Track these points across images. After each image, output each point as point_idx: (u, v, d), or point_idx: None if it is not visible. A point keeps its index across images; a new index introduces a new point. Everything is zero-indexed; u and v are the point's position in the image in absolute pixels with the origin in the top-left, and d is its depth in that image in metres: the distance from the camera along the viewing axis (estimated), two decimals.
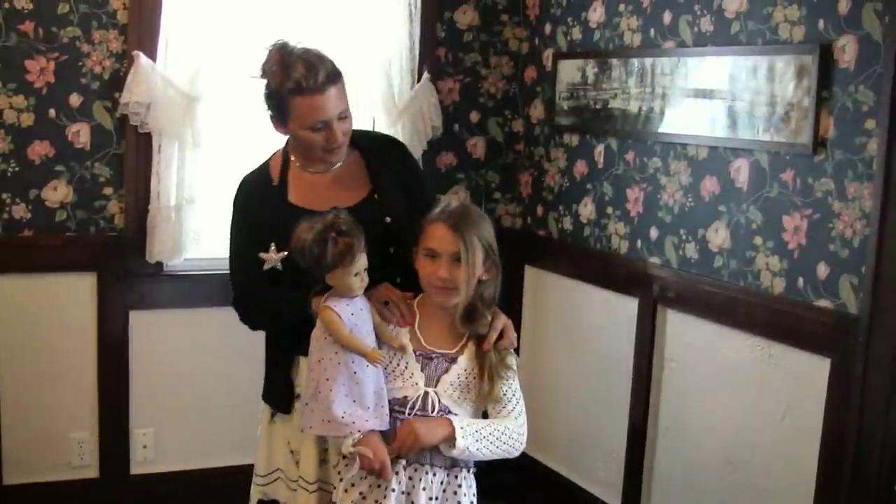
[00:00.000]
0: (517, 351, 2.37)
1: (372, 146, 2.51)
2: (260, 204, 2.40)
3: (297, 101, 2.29)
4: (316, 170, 2.44)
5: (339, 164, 2.45)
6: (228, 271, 2.46)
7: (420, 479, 2.22)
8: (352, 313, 2.20)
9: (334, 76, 2.32)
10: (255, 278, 2.36)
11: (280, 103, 2.32)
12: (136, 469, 3.58)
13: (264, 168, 2.48)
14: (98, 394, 3.49)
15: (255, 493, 2.57)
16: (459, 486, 2.26)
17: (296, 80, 2.26)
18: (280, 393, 2.45)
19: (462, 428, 2.19)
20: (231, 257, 2.45)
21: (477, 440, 2.20)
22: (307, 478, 2.40)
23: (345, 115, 2.35)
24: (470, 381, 2.27)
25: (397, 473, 2.21)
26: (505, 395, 2.28)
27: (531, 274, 3.93)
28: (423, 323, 2.31)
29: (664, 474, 3.24)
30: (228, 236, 2.46)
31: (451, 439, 2.18)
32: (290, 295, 2.32)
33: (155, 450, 3.60)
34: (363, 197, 2.43)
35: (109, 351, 3.48)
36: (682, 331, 3.14)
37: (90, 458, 3.51)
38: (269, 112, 2.38)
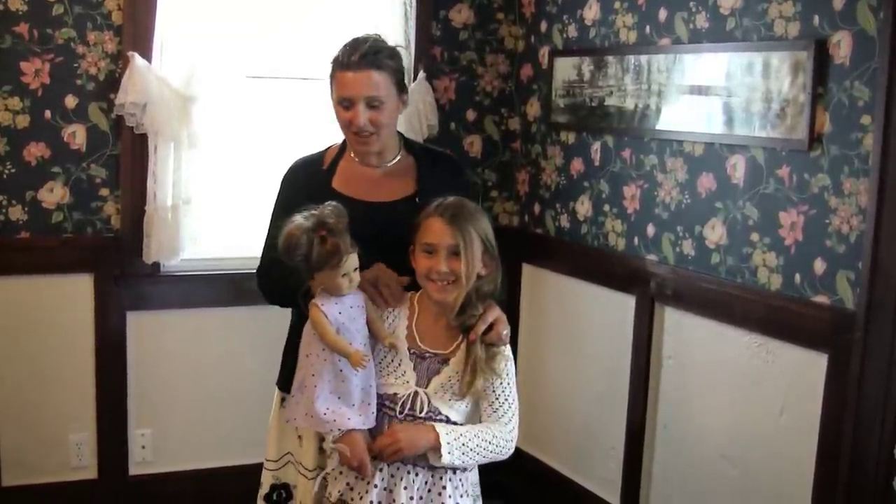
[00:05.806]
0: (514, 349, 2.35)
1: (427, 156, 2.58)
2: (304, 184, 2.46)
3: (335, 74, 2.41)
4: (365, 163, 2.48)
5: (390, 164, 2.49)
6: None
7: (402, 478, 2.21)
8: (339, 312, 2.18)
9: (375, 62, 2.37)
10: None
11: (331, 75, 2.45)
12: (134, 470, 3.58)
13: (320, 153, 2.56)
14: (96, 395, 3.49)
15: (266, 479, 2.58)
16: (444, 487, 2.23)
17: (339, 52, 2.41)
18: (288, 378, 2.46)
19: (448, 444, 2.17)
20: (268, 228, 2.50)
21: (463, 453, 2.19)
22: (307, 465, 2.43)
23: (376, 105, 2.37)
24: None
25: (381, 470, 2.21)
26: (498, 398, 2.25)
27: (528, 272, 3.93)
28: (420, 321, 2.29)
29: (663, 471, 3.24)
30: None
31: (436, 450, 2.16)
32: (296, 279, 2.28)
33: (153, 451, 3.60)
34: (404, 196, 2.47)
35: (107, 352, 3.48)
36: (679, 328, 3.15)
37: (89, 459, 3.52)
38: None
